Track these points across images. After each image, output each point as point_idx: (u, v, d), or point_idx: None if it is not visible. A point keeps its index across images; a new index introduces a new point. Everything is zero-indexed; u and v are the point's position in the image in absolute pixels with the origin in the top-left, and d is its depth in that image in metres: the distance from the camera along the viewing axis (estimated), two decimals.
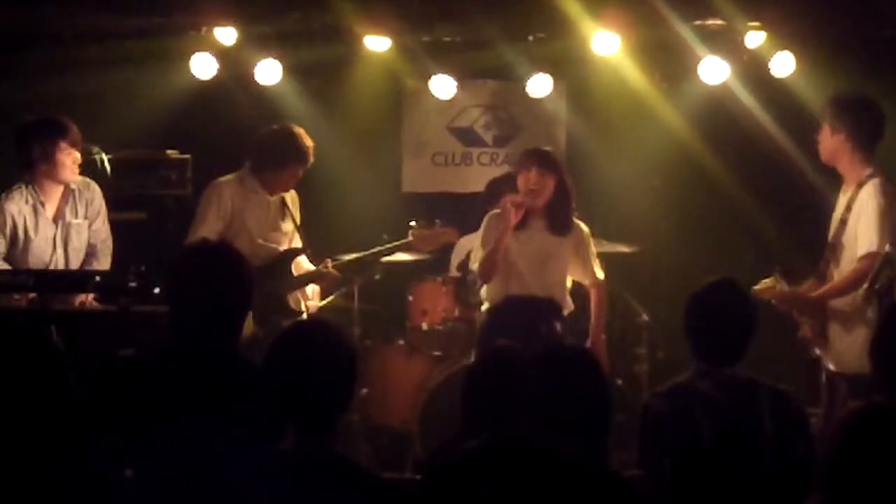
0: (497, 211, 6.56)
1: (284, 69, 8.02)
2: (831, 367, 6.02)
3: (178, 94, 8.04)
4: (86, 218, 6.49)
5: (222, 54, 7.88)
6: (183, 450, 3.69)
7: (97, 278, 5.65)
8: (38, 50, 7.60)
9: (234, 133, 7.94)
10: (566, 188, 6.55)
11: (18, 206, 6.33)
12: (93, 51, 7.71)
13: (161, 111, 8.00)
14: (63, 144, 6.32)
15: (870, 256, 5.86)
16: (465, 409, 4.49)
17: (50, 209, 6.40)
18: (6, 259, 6.28)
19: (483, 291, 6.66)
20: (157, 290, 5.25)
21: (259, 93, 8.18)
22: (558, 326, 6.54)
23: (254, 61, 7.97)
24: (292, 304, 6.86)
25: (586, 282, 6.70)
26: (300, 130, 6.82)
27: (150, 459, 3.73)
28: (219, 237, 6.40)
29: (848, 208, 6.02)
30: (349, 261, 7.08)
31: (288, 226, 6.90)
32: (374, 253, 7.09)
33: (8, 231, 6.30)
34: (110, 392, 3.90)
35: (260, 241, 6.74)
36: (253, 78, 8.03)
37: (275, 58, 7.95)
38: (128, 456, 3.75)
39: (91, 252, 6.51)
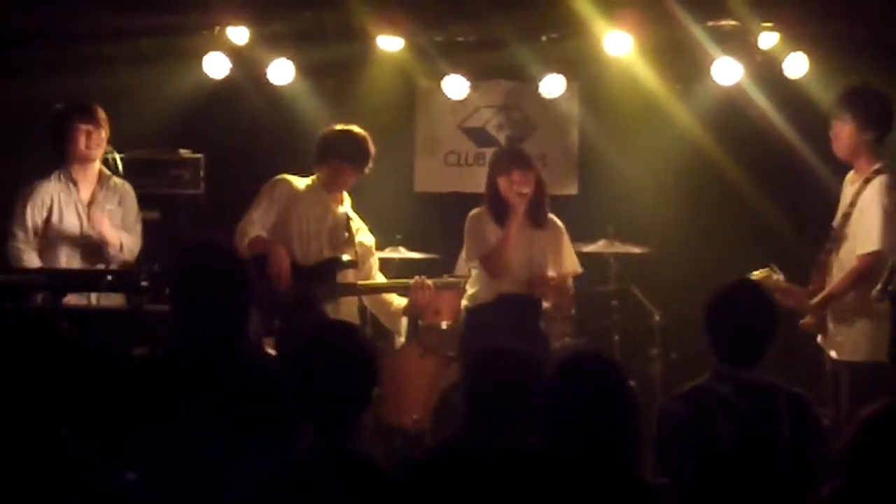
0: (475, 211, 6.67)
1: (297, 69, 8.02)
2: (833, 354, 6.02)
3: (190, 94, 8.05)
4: (119, 206, 6.62)
5: (235, 54, 7.89)
6: (193, 449, 3.71)
7: (109, 277, 5.68)
8: (51, 48, 7.61)
9: (247, 132, 7.96)
10: (542, 181, 6.69)
11: (49, 186, 6.49)
12: (105, 49, 7.74)
13: (174, 110, 8.01)
14: (77, 122, 6.48)
15: (871, 255, 5.85)
16: (470, 409, 4.13)
17: (84, 191, 6.54)
18: (42, 234, 6.42)
19: (469, 289, 6.78)
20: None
21: (272, 92, 8.19)
22: (542, 325, 6.69)
23: (267, 61, 7.98)
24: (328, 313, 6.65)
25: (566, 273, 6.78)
26: (367, 135, 6.82)
27: (160, 458, 3.74)
28: (267, 230, 6.57)
29: (853, 203, 6.01)
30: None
31: (346, 239, 6.79)
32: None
33: (42, 210, 6.45)
34: (123, 390, 3.90)
35: (311, 242, 6.73)
36: (266, 77, 8.04)
37: (287, 57, 7.96)
38: (137, 455, 3.76)
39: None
